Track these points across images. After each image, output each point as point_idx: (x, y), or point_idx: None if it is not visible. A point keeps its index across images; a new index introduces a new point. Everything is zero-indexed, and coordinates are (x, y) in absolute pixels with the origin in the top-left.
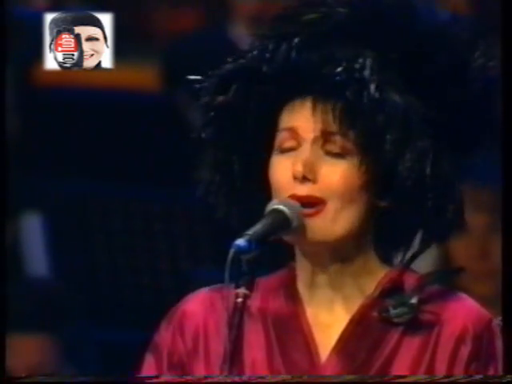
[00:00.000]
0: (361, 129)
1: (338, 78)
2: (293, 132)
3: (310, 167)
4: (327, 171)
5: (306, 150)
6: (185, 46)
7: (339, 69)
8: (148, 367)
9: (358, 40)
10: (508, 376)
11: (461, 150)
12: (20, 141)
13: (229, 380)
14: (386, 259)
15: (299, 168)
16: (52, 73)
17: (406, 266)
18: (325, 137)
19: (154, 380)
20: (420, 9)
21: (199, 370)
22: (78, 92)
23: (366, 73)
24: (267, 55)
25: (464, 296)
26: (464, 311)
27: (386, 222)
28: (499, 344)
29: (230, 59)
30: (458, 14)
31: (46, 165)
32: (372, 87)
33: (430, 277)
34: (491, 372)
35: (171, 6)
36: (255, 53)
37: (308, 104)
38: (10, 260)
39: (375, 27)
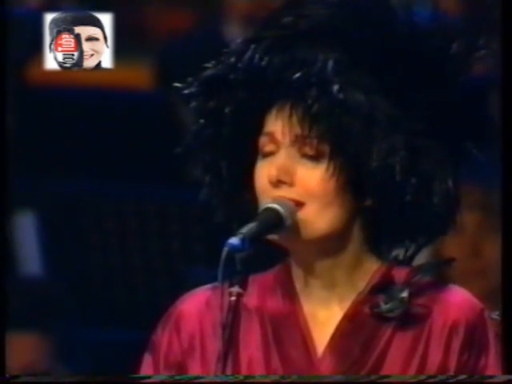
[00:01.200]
0: (325, 131)
1: (297, 81)
2: (271, 136)
3: (285, 171)
4: (304, 175)
5: (282, 155)
6: (181, 46)
7: (298, 73)
8: (146, 368)
9: (332, 41)
10: (503, 376)
11: (446, 147)
12: (15, 140)
13: (219, 381)
14: (380, 255)
15: (273, 172)
16: (49, 72)
17: (406, 264)
18: (299, 140)
19: (147, 380)
20: (399, 9)
21: (195, 370)
22: (73, 91)
23: (326, 75)
24: (232, 60)
25: (455, 287)
26: (456, 302)
27: (375, 220)
28: (491, 334)
29: (210, 65)
30: (439, 12)
31: (39, 164)
32: (335, 88)
33: (420, 270)
34: (483, 362)
35: (168, 6)
36: (227, 58)
37: (277, 108)
38: (4, 259)
39: (352, 29)
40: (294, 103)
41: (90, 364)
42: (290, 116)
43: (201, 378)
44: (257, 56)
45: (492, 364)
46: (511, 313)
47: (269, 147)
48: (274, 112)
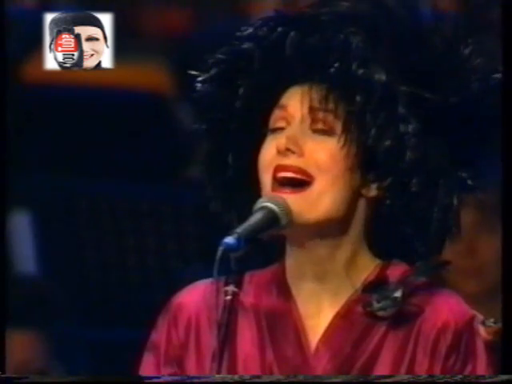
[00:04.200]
0: (343, 105)
1: (319, 53)
2: (284, 110)
3: (294, 141)
4: (313, 147)
5: (293, 128)
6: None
7: (322, 43)
8: (148, 366)
9: (352, 29)
10: (502, 376)
11: (453, 143)
12: (12, 140)
13: (223, 380)
14: (378, 252)
15: (282, 141)
16: (49, 72)
17: (401, 261)
18: (312, 114)
19: (156, 380)
20: (419, 5)
21: (191, 363)
22: (70, 91)
23: (348, 50)
24: (251, 30)
25: (448, 291)
26: (447, 306)
27: (375, 214)
28: (479, 342)
29: (222, 49)
30: (451, 12)
31: (35, 163)
32: (355, 64)
33: (415, 270)
34: (469, 369)
35: (168, 6)
36: (241, 35)
37: (295, 82)
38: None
39: (374, 16)
40: (313, 76)
41: (86, 362)
42: (310, 89)
43: (206, 377)
44: (278, 28)
45: (480, 372)
46: (511, 313)
47: (279, 123)
48: (290, 88)
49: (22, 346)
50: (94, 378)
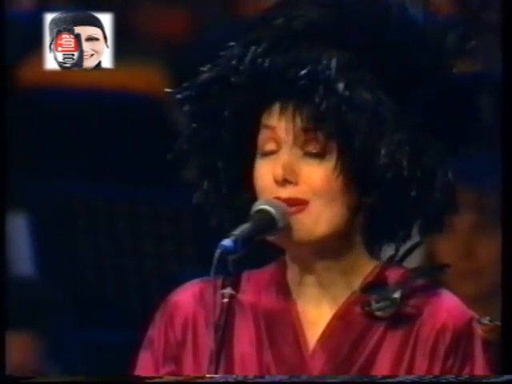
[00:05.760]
0: (332, 129)
1: (302, 81)
2: (272, 132)
3: (290, 169)
4: (307, 172)
5: (285, 153)
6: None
7: (303, 72)
8: (145, 365)
9: (329, 40)
10: (505, 376)
11: (445, 145)
12: (8, 142)
13: (217, 381)
14: (376, 255)
15: (279, 171)
16: (48, 72)
17: (399, 263)
18: (302, 138)
19: (157, 380)
20: (394, 8)
21: (188, 361)
22: (68, 92)
23: (331, 73)
24: (233, 62)
25: (447, 293)
26: (446, 307)
27: (374, 218)
28: (478, 344)
29: (206, 67)
30: (435, 13)
31: (32, 165)
32: (340, 86)
33: (414, 272)
34: (466, 371)
35: (168, 7)
36: (225, 60)
37: (280, 107)
38: None
39: (346, 27)
40: (297, 103)
41: (83, 364)
42: (294, 115)
43: (202, 379)
44: (258, 58)
45: (478, 374)
46: (511, 313)
47: (269, 146)
48: (275, 109)
49: (21, 348)
50: (94, 378)
